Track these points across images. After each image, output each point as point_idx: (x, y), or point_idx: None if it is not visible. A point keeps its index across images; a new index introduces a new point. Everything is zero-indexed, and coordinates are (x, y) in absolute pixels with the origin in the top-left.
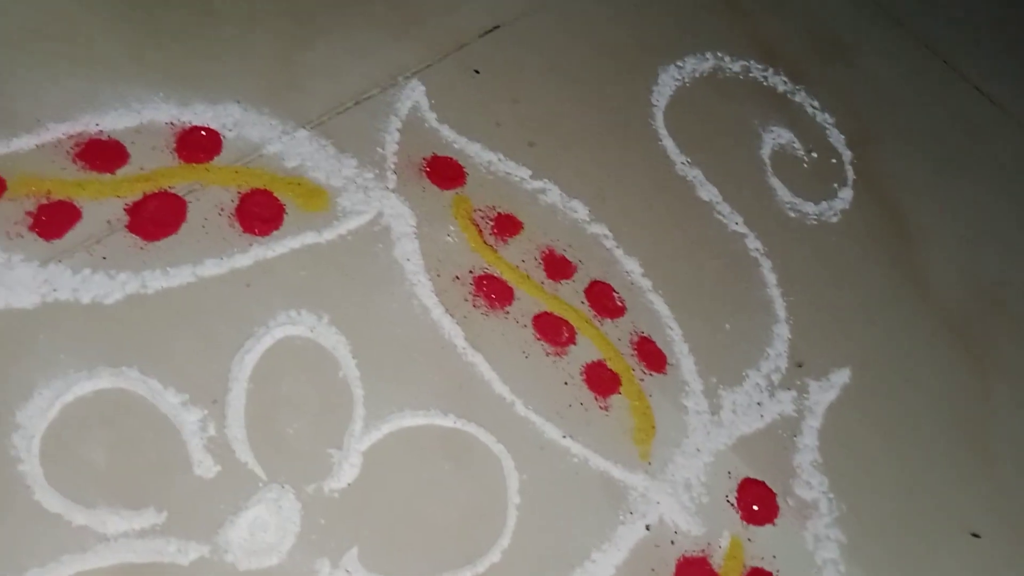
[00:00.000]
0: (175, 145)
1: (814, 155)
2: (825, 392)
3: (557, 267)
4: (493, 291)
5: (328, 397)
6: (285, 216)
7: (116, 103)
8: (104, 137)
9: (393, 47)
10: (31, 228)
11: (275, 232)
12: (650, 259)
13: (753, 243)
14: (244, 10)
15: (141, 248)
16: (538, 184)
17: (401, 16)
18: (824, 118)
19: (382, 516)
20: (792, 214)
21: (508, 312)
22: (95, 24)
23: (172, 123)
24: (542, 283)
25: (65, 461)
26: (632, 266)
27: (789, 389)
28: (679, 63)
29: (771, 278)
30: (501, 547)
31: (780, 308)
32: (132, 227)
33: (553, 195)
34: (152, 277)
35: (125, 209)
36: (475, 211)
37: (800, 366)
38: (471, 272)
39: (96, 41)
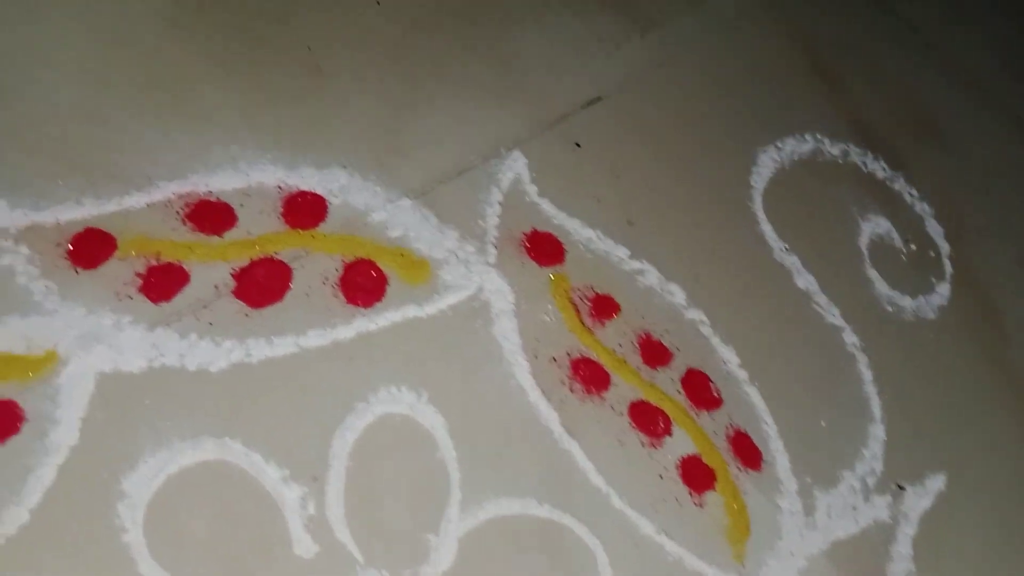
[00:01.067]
0: (282, 209)
1: (912, 247)
2: (920, 499)
3: (654, 353)
4: (590, 376)
5: (426, 479)
6: (387, 288)
7: (225, 163)
8: (213, 198)
9: (496, 115)
10: (140, 290)
11: (377, 304)
12: (747, 349)
13: (850, 337)
14: (351, 70)
15: (246, 315)
16: (636, 265)
17: (505, 83)
18: (923, 208)
19: None
20: (889, 308)
21: (604, 398)
22: (206, 79)
23: (280, 186)
24: (639, 369)
25: (168, 533)
26: (729, 355)
27: (884, 494)
28: (778, 144)
29: (867, 375)
30: None
31: (876, 407)
32: (238, 293)
33: (651, 277)
34: (257, 346)
35: (232, 274)
36: (573, 290)
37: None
38: (568, 354)
39: (206, 97)
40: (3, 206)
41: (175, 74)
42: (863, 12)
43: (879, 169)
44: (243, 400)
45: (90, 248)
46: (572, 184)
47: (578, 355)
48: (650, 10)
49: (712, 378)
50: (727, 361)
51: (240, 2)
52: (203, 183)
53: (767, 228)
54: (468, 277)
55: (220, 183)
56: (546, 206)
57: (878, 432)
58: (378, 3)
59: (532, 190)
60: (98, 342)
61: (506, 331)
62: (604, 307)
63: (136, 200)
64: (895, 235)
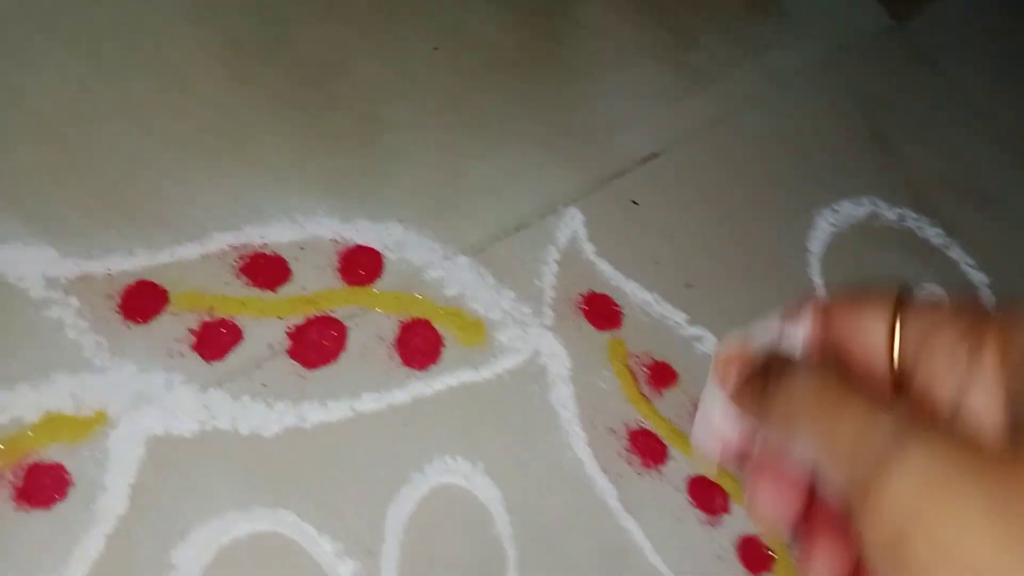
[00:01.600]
0: (338, 264)
1: None
2: None
3: None
4: (648, 448)
5: (482, 556)
6: (443, 350)
7: (280, 214)
8: (268, 251)
9: (554, 170)
10: (193, 347)
11: (433, 366)
12: None
13: None
14: (408, 120)
15: (301, 376)
16: (694, 331)
17: (562, 137)
18: (979, 278)
19: None
20: None
21: (662, 472)
22: (262, 127)
23: (335, 240)
24: None
25: None
26: None
27: None
28: (835, 207)
29: None
30: None
31: None
32: (293, 353)
33: (708, 344)
34: (311, 409)
35: (287, 332)
36: (630, 356)
37: None
38: (626, 425)
39: (262, 145)
40: (53, 255)
41: (231, 122)
42: (916, 74)
43: (934, 235)
44: (297, 468)
45: (142, 301)
46: (629, 244)
47: (636, 426)
48: (708, 66)
49: None
50: None
51: (297, 50)
52: (257, 234)
53: (825, 294)
54: (525, 340)
55: (275, 235)
56: (603, 267)
57: None
58: (435, 49)
59: (589, 249)
60: (149, 403)
61: (563, 398)
62: (662, 375)
63: (189, 251)
64: None
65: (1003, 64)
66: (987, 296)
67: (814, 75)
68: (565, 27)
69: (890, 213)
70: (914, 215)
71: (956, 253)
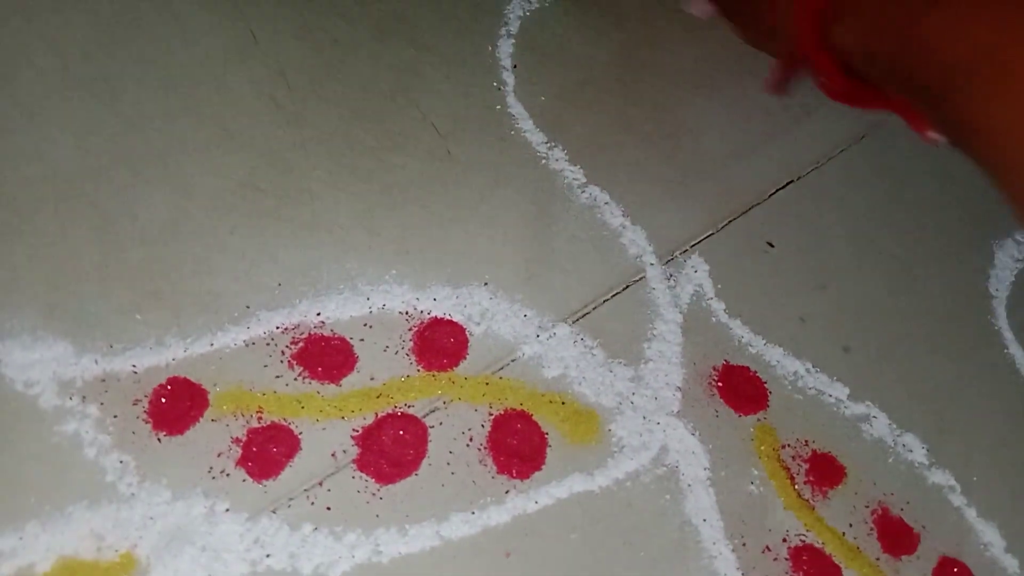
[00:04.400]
0: (412, 344)
1: None
2: None
3: (895, 536)
4: (817, 570)
5: None
6: (548, 450)
7: (341, 284)
8: (327, 331)
9: (668, 210)
10: (239, 463)
11: (536, 474)
12: (1015, 527)
13: None
14: (489, 159)
15: (374, 494)
16: (860, 409)
17: (676, 168)
18: None
19: None
20: None
21: None
22: (317, 178)
23: (407, 312)
24: (877, 560)
25: None
26: (991, 536)
27: None
28: (1018, 236)
29: None
30: None
31: None
32: (362, 464)
33: (880, 425)
34: (388, 539)
35: (354, 437)
36: (783, 448)
37: None
38: (785, 541)
39: (318, 198)
40: (68, 351)
41: (281, 174)
42: None
43: None
44: None
45: (176, 405)
46: (769, 299)
47: (798, 541)
48: None
49: (973, 569)
50: (990, 544)
51: (353, 79)
52: (313, 311)
53: (1017, 351)
54: (649, 432)
55: (335, 310)
56: (738, 329)
57: None
58: (515, 66)
59: (719, 307)
60: (188, 541)
61: (703, 509)
62: (826, 471)
63: (232, 337)
64: None
65: None
66: None
67: None
68: (665, 35)
69: None
70: None
71: None
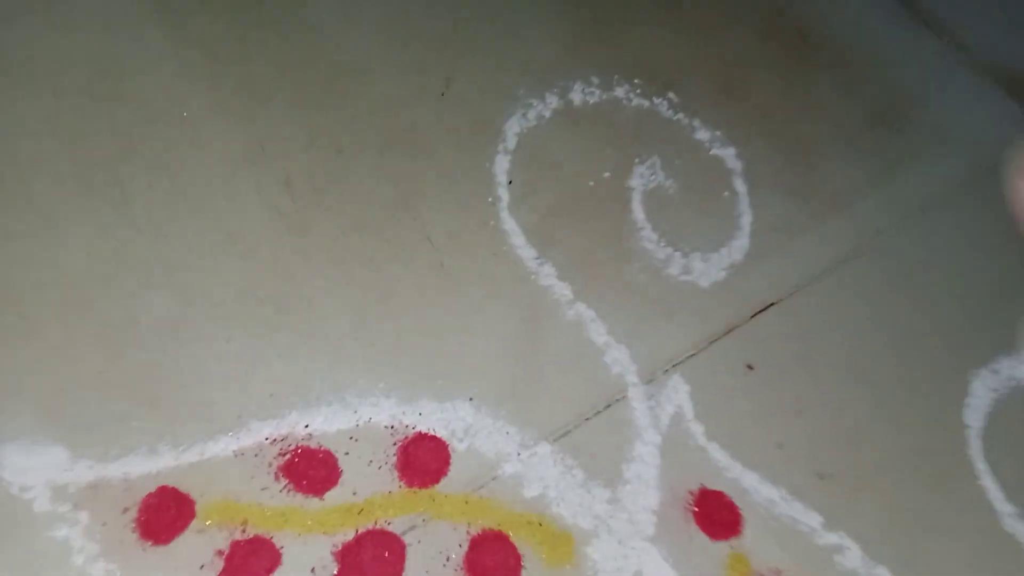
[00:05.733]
0: (396, 459)
1: None
2: None
3: None
4: None
5: None
6: (523, 572)
7: (330, 395)
8: (314, 444)
9: (650, 330)
10: (222, 574)
11: None
12: None
13: None
14: (481, 273)
15: None
16: (833, 539)
17: (656, 286)
18: None
19: None
20: None
21: None
22: (314, 287)
23: (393, 427)
24: None
25: None
26: None
27: None
28: (994, 366)
29: None
30: None
31: None
32: None
33: (853, 557)
34: None
35: (334, 554)
36: (755, 574)
37: None
38: None
39: (314, 309)
40: (64, 457)
41: (280, 282)
42: None
43: None
44: None
45: (163, 515)
46: (746, 422)
47: None
48: (829, 195)
49: None
50: None
51: (355, 189)
52: (302, 422)
53: (989, 484)
54: (623, 556)
55: (322, 423)
56: (716, 453)
57: None
58: (510, 182)
59: (698, 430)
60: None
61: None
62: None
63: (222, 447)
64: None
65: None
66: None
67: (956, 195)
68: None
69: None
70: None
71: None
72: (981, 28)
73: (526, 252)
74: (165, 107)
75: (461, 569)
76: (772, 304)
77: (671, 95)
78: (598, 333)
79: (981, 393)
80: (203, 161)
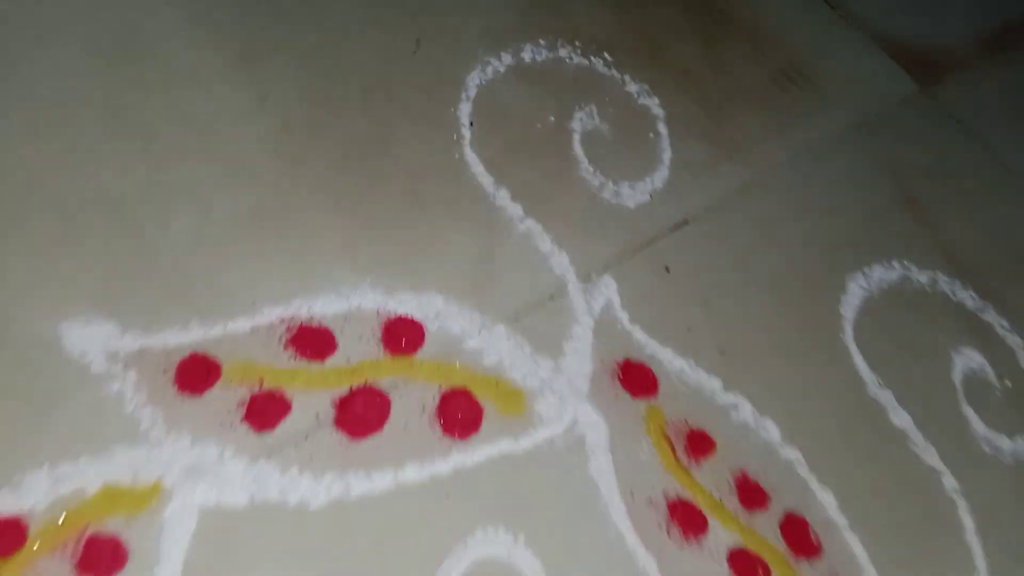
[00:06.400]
0: (381, 335)
1: (1007, 382)
2: None
3: (751, 495)
4: (687, 520)
5: None
6: (483, 419)
7: (327, 288)
8: (314, 323)
9: (588, 241)
10: (244, 419)
11: (473, 436)
12: (845, 492)
13: (949, 481)
14: (444, 200)
15: (346, 448)
16: (729, 398)
17: (594, 208)
18: (1016, 341)
19: None
20: (987, 449)
21: (702, 544)
22: (312, 206)
23: (379, 311)
24: (736, 513)
25: None
26: (827, 499)
27: None
28: (866, 270)
29: (968, 522)
30: None
31: (979, 558)
32: (339, 423)
33: (745, 411)
34: (356, 480)
35: (333, 403)
36: (668, 425)
37: None
38: (665, 496)
39: (312, 223)
40: (115, 330)
41: (283, 203)
42: (948, 140)
43: (968, 299)
44: (342, 540)
45: (195, 374)
46: (663, 311)
47: (675, 496)
48: (736, 138)
49: (811, 523)
50: (825, 505)
51: (343, 131)
52: (305, 307)
53: (859, 361)
54: (562, 409)
55: (321, 307)
56: (638, 334)
57: None
58: (471, 124)
59: (623, 317)
60: (202, 476)
61: (602, 469)
62: (699, 444)
63: (240, 325)
64: (988, 369)
65: None
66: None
67: (842, 143)
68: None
69: (922, 276)
70: (946, 278)
71: (990, 316)
72: (868, 0)
73: (485, 179)
74: (181, 70)
75: (434, 416)
76: (686, 222)
77: (606, 55)
78: (544, 242)
79: (854, 291)
80: (215, 110)
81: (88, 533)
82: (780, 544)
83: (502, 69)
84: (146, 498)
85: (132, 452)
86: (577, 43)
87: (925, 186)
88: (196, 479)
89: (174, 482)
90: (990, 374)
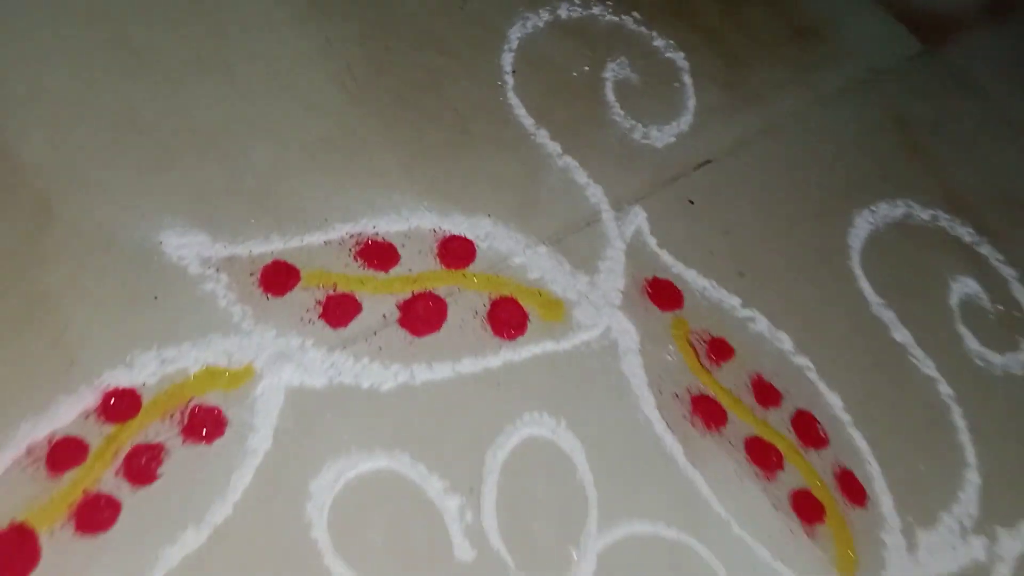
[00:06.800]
0: (437, 251)
1: (999, 307)
2: (1014, 541)
3: (766, 394)
4: (709, 412)
5: (567, 497)
6: (528, 324)
7: (389, 209)
8: (380, 239)
9: (619, 175)
10: (321, 316)
11: (520, 337)
12: (850, 395)
13: (944, 388)
14: (492, 133)
15: (410, 343)
16: (748, 313)
17: (625, 147)
18: (1009, 272)
19: None
20: (980, 363)
21: (723, 433)
22: (374, 139)
23: (435, 230)
24: (752, 408)
25: (349, 531)
26: (834, 400)
27: (980, 535)
28: (872, 207)
29: (961, 424)
30: None
31: (971, 455)
32: (403, 322)
33: (761, 325)
34: (419, 370)
35: (397, 305)
36: (692, 333)
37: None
38: (689, 391)
39: (374, 154)
40: (207, 240)
41: (349, 136)
42: (951, 94)
43: (965, 234)
44: (409, 417)
45: (278, 278)
46: (688, 237)
47: (698, 392)
48: (757, 86)
49: (819, 420)
50: (832, 406)
51: (399, 74)
52: (371, 225)
53: (864, 285)
54: (598, 317)
55: (385, 226)
56: (665, 256)
57: (973, 478)
58: (514, 72)
59: (652, 241)
60: (287, 360)
61: (633, 368)
62: (720, 350)
63: (315, 238)
64: (983, 296)
65: None
66: (1018, 290)
67: (852, 95)
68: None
69: (924, 214)
70: (946, 216)
71: (986, 249)
72: None
73: (527, 121)
74: (253, 18)
75: (485, 320)
76: (709, 161)
77: (635, 13)
78: (580, 176)
79: (861, 225)
80: (286, 53)
81: (192, 404)
82: (792, 436)
83: (541, 24)
84: (240, 377)
85: (226, 340)
86: (608, 2)
87: (928, 135)
88: (282, 363)
89: (263, 365)
90: (984, 299)
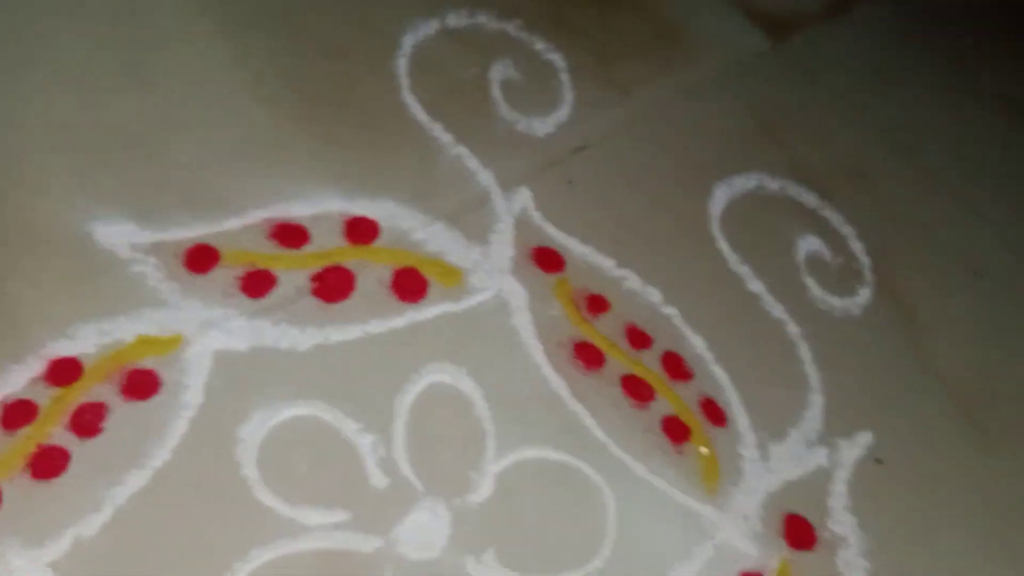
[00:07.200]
0: (344, 230)
1: (839, 259)
2: (851, 449)
3: (638, 339)
4: (589, 356)
5: (467, 431)
6: (429, 289)
7: (300, 196)
8: (292, 222)
9: (507, 161)
10: (241, 290)
11: (422, 301)
12: (711, 337)
13: (792, 328)
14: (394, 129)
15: (323, 309)
16: (621, 273)
17: (511, 137)
18: (848, 230)
19: (512, 525)
20: (822, 307)
21: (601, 373)
22: (285, 137)
23: (341, 212)
24: (627, 351)
25: (275, 468)
26: (698, 342)
27: (823, 446)
28: (729, 180)
29: (807, 356)
30: (603, 556)
31: (815, 381)
32: (316, 292)
33: (633, 282)
34: (333, 331)
35: (310, 278)
36: (573, 292)
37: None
38: (572, 340)
39: (286, 149)
40: (135, 229)
41: (262, 132)
42: (797, 83)
43: (811, 200)
44: (325, 372)
45: (201, 258)
46: (568, 212)
47: (579, 341)
48: (626, 81)
49: (685, 359)
50: (696, 346)
51: (306, 80)
52: (283, 210)
53: (723, 245)
54: (490, 281)
55: (296, 210)
56: (549, 229)
57: (817, 400)
58: (409, 74)
59: (537, 216)
60: (213, 328)
61: (522, 322)
62: (597, 304)
63: (234, 223)
64: (825, 250)
65: (874, 73)
66: (856, 245)
67: (711, 86)
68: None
69: (773, 184)
70: (793, 184)
71: (828, 212)
72: None
73: (422, 116)
74: (173, 33)
75: (391, 288)
76: (585, 147)
77: (518, 21)
78: (472, 163)
79: (719, 196)
80: (202, 64)
81: (130, 368)
82: (661, 372)
83: (431, 32)
84: (172, 344)
85: (157, 313)
86: (492, 11)
87: (779, 119)
88: (208, 330)
89: (192, 333)
90: (826, 254)
